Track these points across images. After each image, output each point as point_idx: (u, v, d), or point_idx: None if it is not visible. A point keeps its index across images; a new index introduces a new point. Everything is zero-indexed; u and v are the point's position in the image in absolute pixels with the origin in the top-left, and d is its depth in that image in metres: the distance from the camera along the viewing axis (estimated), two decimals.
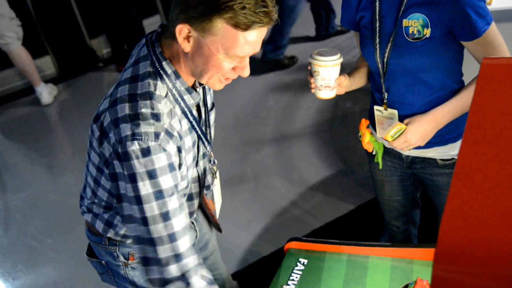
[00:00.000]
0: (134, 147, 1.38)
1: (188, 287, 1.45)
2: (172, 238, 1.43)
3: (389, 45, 1.82)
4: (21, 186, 4.25)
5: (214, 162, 1.83)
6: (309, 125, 4.39)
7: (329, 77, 1.86)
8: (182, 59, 1.49)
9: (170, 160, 1.43)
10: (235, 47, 1.38)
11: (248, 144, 4.28)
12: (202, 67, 1.45)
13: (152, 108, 1.43)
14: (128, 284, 1.85)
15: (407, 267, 1.71)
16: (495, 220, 0.85)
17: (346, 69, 2.00)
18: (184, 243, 1.45)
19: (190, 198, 1.82)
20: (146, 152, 1.38)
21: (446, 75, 1.86)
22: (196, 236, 1.97)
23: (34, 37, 5.55)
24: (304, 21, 5.56)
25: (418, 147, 1.93)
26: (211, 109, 1.78)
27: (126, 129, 1.40)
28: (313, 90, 1.93)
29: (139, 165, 1.38)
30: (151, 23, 5.83)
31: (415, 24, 1.76)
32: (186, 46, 1.42)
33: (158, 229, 1.41)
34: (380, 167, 2.13)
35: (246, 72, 1.49)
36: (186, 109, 1.55)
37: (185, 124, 1.57)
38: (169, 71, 1.49)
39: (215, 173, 1.89)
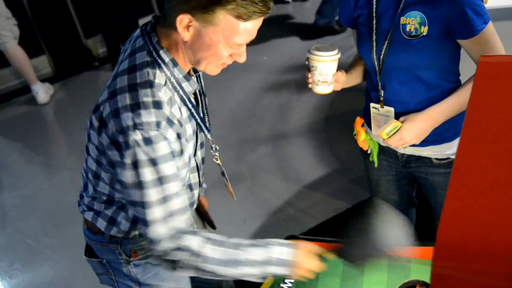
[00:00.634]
0: (137, 136, 1.40)
1: (182, 251, 1.48)
2: (169, 215, 1.47)
3: (386, 42, 1.83)
4: (17, 185, 4.24)
5: (216, 149, 1.84)
6: (305, 124, 4.39)
7: (326, 72, 1.88)
8: (180, 47, 1.51)
9: (171, 147, 1.46)
10: (235, 36, 1.42)
11: (244, 143, 4.28)
12: (201, 55, 1.48)
13: (153, 96, 1.44)
14: (130, 282, 1.85)
15: (405, 266, 1.72)
16: (493, 217, 0.86)
17: (342, 68, 2.00)
18: (182, 221, 1.50)
19: (190, 188, 1.82)
20: (148, 141, 1.41)
21: (442, 73, 1.87)
22: None
23: (30, 37, 5.53)
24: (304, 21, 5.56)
25: (413, 145, 1.94)
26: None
27: (127, 119, 1.41)
28: (310, 85, 1.94)
29: (142, 154, 1.41)
30: None
31: (412, 22, 1.77)
32: (186, 35, 1.44)
33: (156, 211, 1.46)
34: (376, 165, 2.14)
35: (243, 58, 1.53)
36: (184, 97, 1.56)
37: (185, 112, 1.59)
38: (166, 60, 1.50)
39: (217, 159, 1.89)
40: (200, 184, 1.89)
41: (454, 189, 0.90)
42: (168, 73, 1.51)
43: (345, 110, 4.47)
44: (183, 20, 1.40)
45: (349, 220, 1.53)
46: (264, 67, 5.30)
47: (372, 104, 1.99)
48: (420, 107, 1.87)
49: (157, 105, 1.44)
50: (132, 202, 1.49)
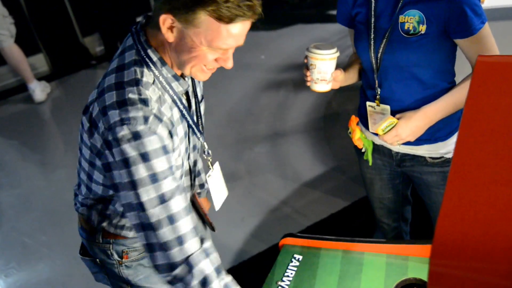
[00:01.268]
0: (124, 132, 1.37)
1: (192, 271, 1.42)
2: (171, 220, 1.41)
3: (384, 40, 1.84)
4: (13, 183, 4.24)
5: (208, 153, 1.81)
6: (302, 122, 4.40)
7: (325, 71, 1.88)
8: (166, 48, 1.49)
9: (163, 142, 1.41)
10: (218, 39, 1.38)
11: (242, 142, 4.28)
12: (185, 57, 1.45)
13: (140, 94, 1.42)
14: (122, 283, 1.84)
15: (402, 264, 1.72)
16: (491, 216, 0.86)
17: (340, 67, 2.01)
18: (185, 225, 1.43)
19: None
20: (136, 136, 1.37)
21: (438, 72, 1.88)
22: None
23: (27, 35, 5.53)
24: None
25: (408, 144, 1.95)
26: (201, 101, 1.78)
27: (114, 115, 1.39)
28: (308, 83, 1.94)
29: (130, 149, 1.37)
30: None
31: (411, 20, 1.77)
32: (170, 36, 1.42)
33: (156, 212, 1.40)
34: (370, 163, 2.15)
35: (229, 64, 1.49)
36: (175, 97, 1.54)
37: (176, 113, 1.56)
38: (154, 59, 1.49)
39: (211, 164, 1.86)
40: (192, 187, 1.87)
41: (452, 188, 0.90)
42: (157, 72, 1.49)
43: (342, 108, 4.48)
44: (166, 20, 1.38)
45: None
46: (262, 66, 5.30)
47: (368, 103, 2.00)
48: (416, 106, 1.88)
49: (144, 102, 1.41)
50: (129, 205, 1.42)
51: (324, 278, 1.72)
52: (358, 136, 2.05)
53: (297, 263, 1.79)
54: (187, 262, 1.42)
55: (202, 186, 1.98)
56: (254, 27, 1.46)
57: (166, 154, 1.42)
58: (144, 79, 1.46)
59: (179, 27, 1.39)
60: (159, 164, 1.39)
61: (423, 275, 1.66)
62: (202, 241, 1.47)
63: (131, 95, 1.41)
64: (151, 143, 1.38)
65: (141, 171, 1.38)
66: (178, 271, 1.43)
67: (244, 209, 3.55)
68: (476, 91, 0.97)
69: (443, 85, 1.90)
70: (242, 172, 3.96)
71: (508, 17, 2.89)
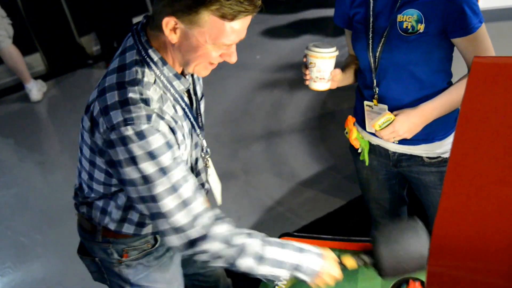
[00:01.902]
0: (128, 132, 1.39)
1: (212, 241, 1.47)
2: (185, 204, 1.45)
3: (382, 40, 1.84)
4: (10, 183, 4.23)
5: (206, 152, 1.83)
6: (298, 122, 4.41)
7: (324, 69, 1.88)
8: (169, 49, 1.50)
9: (166, 138, 1.44)
10: (222, 36, 1.41)
11: (238, 141, 4.29)
12: (190, 57, 1.47)
13: (141, 94, 1.43)
14: (122, 282, 1.85)
15: None
16: (488, 216, 0.87)
17: (337, 67, 2.01)
18: (198, 205, 1.47)
19: None
20: (141, 135, 1.39)
21: (436, 72, 1.88)
22: None
23: (24, 34, 5.52)
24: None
25: (405, 143, 1.95)
26: (201, 98, 1.79)
27: (117, 115, 1.41)
28: (307, 82, 1.94)
29: (137, 148, 1.39)
30: None
31: (409, 19, 1.78)
32: (173, 38, 1.43)
33: (169, 202, 1.44)
34: (367, 163, 2.15)
35: (233, 58, 1.51)
36: (176, 95, 1.56)
37: (179, 110, 1.58)
38: (155, 58, 1.50)
39: (208, 162, 1.88)
40: None
41: (449, 189, 0.90)
42: (158, 72, 1.50)
43: (338, 108, 4.48)
44: (169, 22, 1.40)
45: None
46: (257, 65, 5.31)
47: (366, 102, 2.00)
48: (414, 105, 1.88)
49: (145, 102, 1.43)
50: (141, 199, 1.46)
51: None
52: (354, 136, 2.05)
53: None
54: (206, 235, 1.47)
55: (202, 186, 1.98)
56: (249, 27, 1.48)
57: (170, 148, 1.45)
58: (145, 79, 1.47)
59: (182, 28, 1.41)
60: (166, 158, 1.42)
61: (421, 275, 1.66)
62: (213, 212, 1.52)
63: (132, 95, 1.43)
64: (156, 141, 1.41)
65: (150, 168, 1.41)
66: (200, 245, 1.47)
67: (240, 208, 3.55)
68: (472, 92, 0.97)
69: (441, 84, 1.90)
70: (238, 171, 3.96)
71: (504, 18, 2.90)
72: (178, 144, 1.52)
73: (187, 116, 1.62)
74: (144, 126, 1.39)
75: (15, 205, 3.98)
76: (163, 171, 1.42)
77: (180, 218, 1.45)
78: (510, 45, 2.76)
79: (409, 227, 1.56)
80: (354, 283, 1.68)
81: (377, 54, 1.87)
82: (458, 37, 1.77)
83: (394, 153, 2.08)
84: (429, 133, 1.94)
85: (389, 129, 1.86)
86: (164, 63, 1.51)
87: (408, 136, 1.87)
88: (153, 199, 1.44)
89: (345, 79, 2.03)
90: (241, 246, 1.50)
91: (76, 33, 5.95)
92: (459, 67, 1.91)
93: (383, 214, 2.38)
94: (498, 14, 2.91)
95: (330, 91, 2.00)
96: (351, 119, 2.05)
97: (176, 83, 1.55)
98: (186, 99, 1.61)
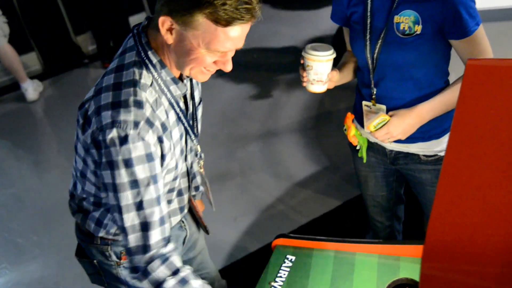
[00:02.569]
0: (113, 134, 1.39)
1: (149, 277, 1.47)
2: (144, 227, 1.45)
3: (379, 41, 1.84)
4: (6, 183, 4.22)
5: (200, 157, 1.83)
6: (295, 121, 4.40)
7: (322, 72, 1.88)
8: (166, 50, 1.50)
9: (148, 150, 1.43)
10: (216, 42, 1.38)
11: (235, 141, 4.28)
12: (183, 59, 1.46)
13: (135, 96, 1.43)
14: (120, 284, 1.85)
15: (394, 264, 1.73)
16: (482, 218, 0.87)
17: (334, 66, 2.01)
18: (156, 235, 1.47)
19: (179, 193, 1.82)
20: (123, 140, 1.39)
21: (434, 72, 1.89)
22: (186, 236, 1.97)
23: (20, 33, 5.50)
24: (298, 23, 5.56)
25: (401, 141, 1.96)
26: (199, 104, 1.78)
27: (107, 116, 1.41)
28: (304, 84, 1.95)
29: (115, 153, 1.39)
30: (137, 20, 5.70)
31: (406, 20, 1.78)
32: (169, 38, 1.42)
33: (130, 218, 1.43)
34: (365, 160, 2.15)
35: (228, 67, 1.49)
36: (172, 100, 1.55)
37: (172, 116, 1.57)
38: (154, 61, 1.50)
39: (201, 167, 1.88)
40: (189, 189, 1.88)
41: (443, 190, 0.91)
42: (156, 75, 1.50)
43: (335, 108, 4.49)
44: (165, 22, 1.39)
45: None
46: (254, 65, 5.30)
47: (364, 102, 2.00)
48: (412, 105, 1.89)
49: (138, 104, 1.42)
50: (112, 206, 1.47)
51: (317, 279, 1.73)
52: (353, 134, 2.06)
53: (290, 264, 1.79)
54: (146, 269, 1.48)
55: (197, 188, 1.98)
56: None
57: (150, 161, 1.43)
58: (142, 80, 1.47)
59: (178, 29, 1.40)
60: (141, 171, 1.42)
61: (415, 275, 1.66)
62: (167, 245, 1.51)
63: (126, 97, 1.42)
64: (136, 150, 1.40)
65: (122, 176, 1.41)
66: (139, 275, 1.49)
67: (237, 208, 3.55)
68: (467, 94, 0.98)
69: (439, 84, 1.91)
70: (235, 171, 3.96)
71: (503, 18, 2.90)
72: (164, 154, 1.51)
73: (181, 121, 1.61)
74: (129, 131, 1.39)
75: (11, 205, 3.97)
76: (135, 183, 1.42)
77: (131, 240, 1.46)
78: (509, 45, 2.77)
79: None
80: (350, 284, 1.69)
81: (375, 55, 1.88)
82: (455, 39, 1.77)
83: (391, 151, 2.08)
84: (425, 132, 1.95)
85: (384, 130, 1.87)
86: (163, 66, 1.51)
87: (402, 137, 1.88)
88: (119, 210, 1.44)
89: (342, 77, 2.03)
90: None
91: (72, 32, 5.94)
92: (456, 66, 1.91)
93: (380, 212, 2.39)
94: (498, 14, 2.91)
95: (327, 91, 2.00)
96: (350, 116, 2.05)
97: (173, 87, 1.55)
98: (182, 104, 1.61)
